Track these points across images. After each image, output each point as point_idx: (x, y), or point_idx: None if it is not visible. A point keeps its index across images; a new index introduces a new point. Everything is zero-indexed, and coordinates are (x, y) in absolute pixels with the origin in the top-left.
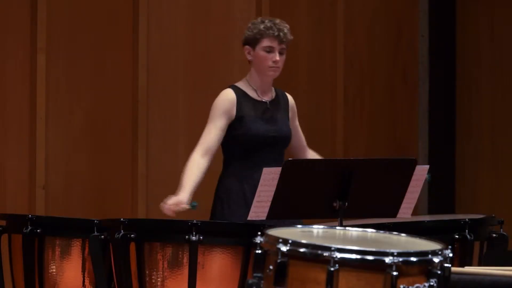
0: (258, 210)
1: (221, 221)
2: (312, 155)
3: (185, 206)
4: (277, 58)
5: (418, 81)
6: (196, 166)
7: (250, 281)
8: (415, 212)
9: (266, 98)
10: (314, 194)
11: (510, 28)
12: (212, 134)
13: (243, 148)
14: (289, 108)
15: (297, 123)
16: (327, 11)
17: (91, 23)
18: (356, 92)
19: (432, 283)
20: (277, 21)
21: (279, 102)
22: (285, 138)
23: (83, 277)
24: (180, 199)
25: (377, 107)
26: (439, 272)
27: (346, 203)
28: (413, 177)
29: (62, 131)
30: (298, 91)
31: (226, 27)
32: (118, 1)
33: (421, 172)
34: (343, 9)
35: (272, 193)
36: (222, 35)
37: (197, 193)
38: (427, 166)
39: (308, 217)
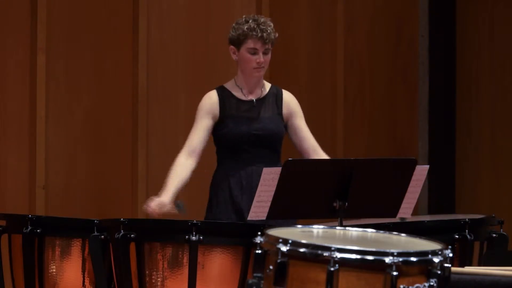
0: (258, 210)
1: (221, 221)
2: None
3: (169, 207)
4: (261, 59)
5: (418, 81)
6: (180, 167)
7: (250, 281)
8: (415, 212)
9: (253, 97)
10: (314, 194)
11: (510, 28)
12: (195, 135)
13: (228, 148)
14: (283, 104)
15: (299, 122)
16: (327, 11)
17: (91, 23)
18: (356, 92)
19: (432, 283)
20: (261, 20)
21: (269, 100)
22: (272, 136)
23: (83, 277)
24: (162, 201)
25: (377, 107)
26: (439, 272)
27: (346, 203)
28: (413, 177)
29: (62, 131)
30: (298, 91)
31: (226, 27)
32: (118, 1)
33: (421, 172)
34: (343, 9)
35: (272, 193)
36: (222, 35)
37: (194, 191)
38: (427, 166)
39: (308, 217)
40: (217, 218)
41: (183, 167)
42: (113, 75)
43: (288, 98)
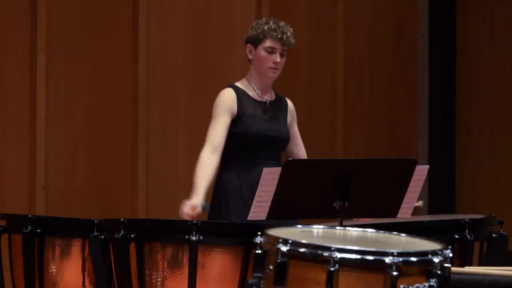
0: (258, 210)
1: (221, 221)
2: None
3: (200, 209)
4: (278, 59)
5: (418, 81)
6: (207, 165)
7: (250, 281)
8: (415, 212)
9: (266, 98)
10: (314, 194)
11: (510, 28)
12: (218, 131)
13: (242, 146)
14: (288, 112)
15: (296, 129)
16: (327, 11)
17: (91, 23)
18: (356, 92)
19: (432, 283)
20: (281, 23)
21: (279, 104)
22: (283, 139)
23: (83, 277)
24: (194, 203)
25: (377, 107)
26: (439, 272)
27: (346, 203)
28: (413, 177)
29: (62, 131)
30: (298, 91)
31: (226, 27)
32: (118, 1)
33: (421, 172)
34: (343, 9)
35: (272, 193)
36: (222, 35)
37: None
38: (427, 166)
39: (308, 217)
40: (226, 220)
41: (209, 165)
42: (113, 75)
43: (291, 106)
